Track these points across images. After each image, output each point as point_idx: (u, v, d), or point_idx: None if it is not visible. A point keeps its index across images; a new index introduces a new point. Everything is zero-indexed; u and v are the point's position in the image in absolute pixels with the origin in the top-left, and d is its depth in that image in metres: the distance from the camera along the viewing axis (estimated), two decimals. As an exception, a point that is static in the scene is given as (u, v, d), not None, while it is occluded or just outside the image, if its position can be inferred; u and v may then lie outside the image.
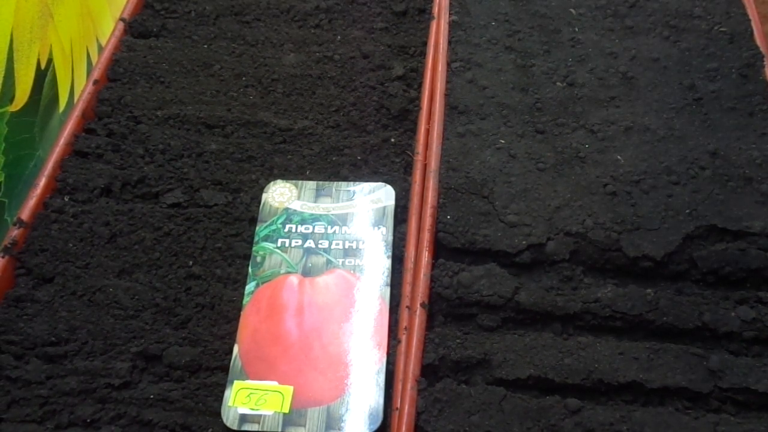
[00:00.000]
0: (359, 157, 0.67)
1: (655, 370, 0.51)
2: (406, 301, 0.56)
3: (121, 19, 0.79)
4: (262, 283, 0.59)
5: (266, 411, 0.52)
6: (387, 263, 0.60)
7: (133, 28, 0.79)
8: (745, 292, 0.55)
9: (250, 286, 0.59)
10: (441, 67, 0.69)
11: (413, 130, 0.69)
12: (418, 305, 0.55)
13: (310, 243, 0.62)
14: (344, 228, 0.62)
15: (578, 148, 0.63)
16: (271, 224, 0.63)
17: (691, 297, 0.55)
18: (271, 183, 0.65)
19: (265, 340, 0.56)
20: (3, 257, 0.60)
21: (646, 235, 0.56)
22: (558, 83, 0.68)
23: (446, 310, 0.56)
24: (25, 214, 0.62)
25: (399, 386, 0.52)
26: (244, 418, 0.52)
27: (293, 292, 0.58)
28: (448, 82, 0.68)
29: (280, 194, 0.64)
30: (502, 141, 0.63)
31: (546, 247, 0.56)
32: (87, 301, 0.58)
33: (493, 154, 0.62)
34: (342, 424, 0.52)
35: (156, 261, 0.61)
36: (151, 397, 0.54)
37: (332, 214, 0.63)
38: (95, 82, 0.72)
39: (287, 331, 0.56)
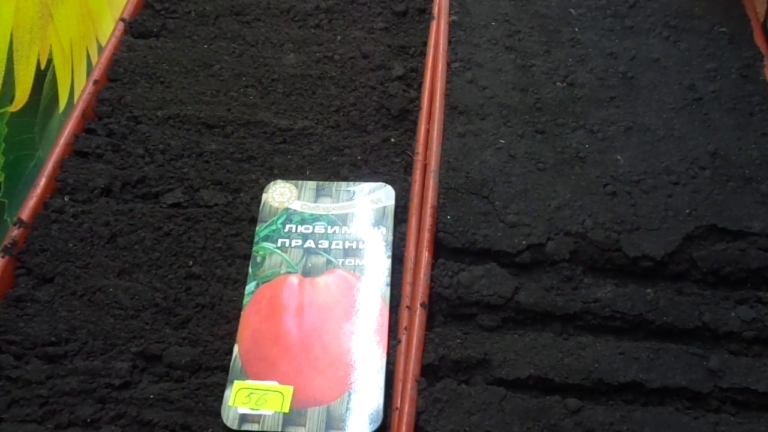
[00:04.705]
0: (359, 157, 0.67)
1: (655, 370, 0.51)
2: (406, 301, 0.56)
3: (121, 19, 0.79)
4: (263, 283, 0.59)
5: (266, 411, 0.52)
6: (387, 263, 0.60)
7: (133, 28, 0.79)
8: (745, 292, 0.55)
9: (250, 286, 0.59)
10: (441, 67, 0.69)
11: (413, 130, 0.69)
12: (418, 305, 0.55)
13: (310, 243, 0.62)
14: (344, 228, 0.62)
15: (578, 148, 0.63)
16: (271, 224, 0.63)
17: (691, 297, 0.55)
18: (271, 183, 0.65)
19: (265, 340, 0.56)
20: (3, 257, 0.60)
21: (646, 235, 0.56)
22: (558, 83, 0.68)
23: (446, 310, 0.56)
24: (25, 214, 0.62)
25: (399, 386, 0.52)
26: (244, 418, 0.52)
27: (293, 292, 0.58)
28: (448, 82, 0.68)
29: (280, 194, 0.64)
30: (502, 141, 0.63)
31: (546, 247, 0.56)
32: (87, 301, 0.58)
33: (493, 154, 0.62)
34: (342, 424, 0.52)
35: (156, 261, 0.61)
36: (151, 397, 0.54)
37: (332, 214, 0.63)
38: (95, 82, 0.72)
39: (287, 331, 0.56)
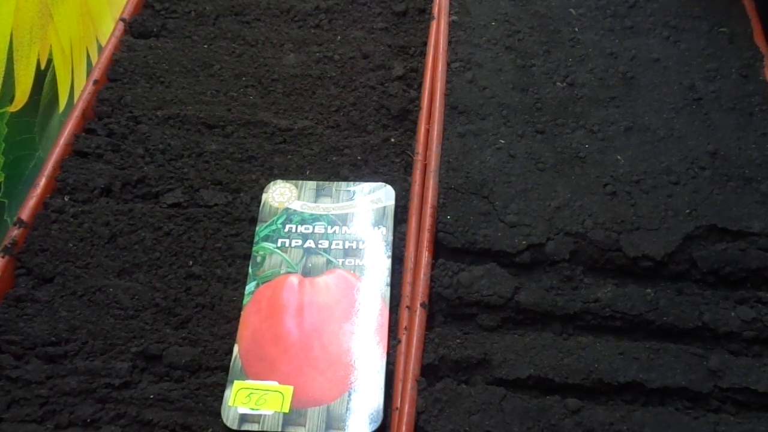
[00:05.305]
0: (359, 157, 0.67)
1: (655, 370, 0.51)
2: (406, 301, 0.56)
3: (121, 19, 0.79)
4: (263, 283, 0.59)
5: (266, 411, 0.52)
6: (387, 263, 0.60)
7: (133, 28, 0.79)
8: (745, 292, 0.55)
9: (250, 286, 0.59)
10: (441, 67, 0.69)
11: (413, 130, 0.69)
12: (418, 305, 0.55)
13: (310, 243, 0.62)
14: (344, 228, 0.62)
15: (578, 148, 0.63)
16: (271, 224, 0.63)
17: (691, 297, 0.55)
18: (271, 183, 0.65)
19: (265, 340, 0.56)
20: (3, 257, 0.60)
21: (646, 235, 0.56)
22: (558, 83, 0.68)
23: (446, 310, 0.56)
24: (25, 214, 0.62)
25: (399, 386, 0.52)
26: (244, 418, 0.52)
27: (293, 292, 0.58)
28: (448, 82, 0.68)
29: (280, 194, 0.64)
30: (502, 141, 0.63)
31: (546, 247, 0.56)
32: (87, 301, 0.58)
33: (493, 154, 0.62)
34: (342, 424, 0.52)
35: (156, 261, 0.61)
36: (151, 397, 0.54)
37: (332, 214, 0.63)
38: (95, 82, 0.72)
39: (287, 331, 0.56)
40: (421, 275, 0.56)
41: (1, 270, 0.59)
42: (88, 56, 0.90)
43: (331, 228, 0.62)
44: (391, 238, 0.61)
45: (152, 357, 0.56)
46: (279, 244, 0.61)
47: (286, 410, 0.52)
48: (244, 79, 0.74)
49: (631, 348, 0.53)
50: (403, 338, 0.54)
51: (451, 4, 0.76)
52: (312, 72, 0.74)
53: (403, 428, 0.49)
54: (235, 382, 0.54)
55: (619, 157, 0.62)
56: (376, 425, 0.52)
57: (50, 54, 0.86)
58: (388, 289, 0.58)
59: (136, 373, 0.55)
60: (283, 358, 0.55)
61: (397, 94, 0.71)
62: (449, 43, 0.72)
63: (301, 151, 0.68)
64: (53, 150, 0.67)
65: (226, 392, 0.53)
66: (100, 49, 0.87)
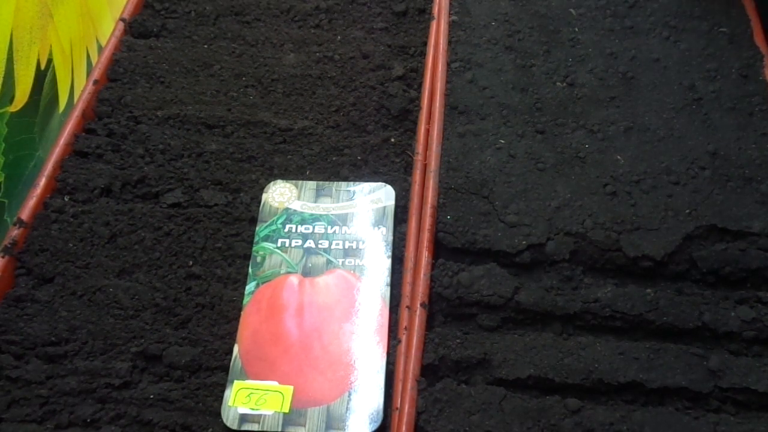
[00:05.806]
0: (359, 157, 0.67)
1: (655, 370, 0.51)
2: (406, 301, 0.56)
3: (121, 19, 0.79)
4: (263, 283, 0.59)
5: (266, 411, 0.52)
6: (387, 263, 0.60)
7: (133, 28, 0.79)
8: (745, 292, 0.55)
9: (250, 286, 0.59)
10: (441, 67, 0.69)
11: (413, 130, 0.69)
12: (418, 305, 0.55)
13: (310, 243, 0.62)
14: (344, 228, 0.62)
15: (578, 148, 0.63)
16: (271, 224, 0.63)
17: (691, 297, 0.55)
18: (271, 183, 0.65)
19: (265, 340, 0.56)
20: (3, 257, 0.60)
21: (646, 235, 0.56)
22: (558, 83, 0.68)
23: (446, 310, 0.56)
24: (25, 214, 0.62)
25: (399, 386, 0.52)
26: (244, 418, 0.52)
27: (293, 292, 0.58)
28: (448, 82, 0.68)
29: (280, 194, 0.64)
30: (502, 141, 0.63)
31: (546, 247, 0.56)
32: (87, 301, 0.58)
33: (493, 154, 0.62)
34: (342, 424, 0.52)
35: (156, 261, 0.61)
36: (151, 397, 0.54)
37: (332, 214, 0.63)
38: (95, 82, 0.72)
39: (287, 331, 0.56)
40: (421, 275, 0.56)
41: (1, 270, 0.59)
42: (88, 56, 0.90)
43: (331, 228, 0.62)
44: (391, 238, 0.61)
45: (152, 357, 0.56)
46: (279, 244, 0.61)
47: (286, 410, 0.52)
48: (244, 79, 0.74)
49: (631, 348, 0.53)
50: (403, 338, 0.54)
51: (451, 4, 0.76)
52: (312, 72, 0.74)
53: (403, 428, 0.49)
54: (235, 382, 0.54)
55: (619, 157, 0.62)
56: (376, 425, 0.52)
57: (50, 54, 0.86)
58: (388, 289, 0.58)
59: (136, 373, 0.55)
60: (283, 358, 0.55)
61: (397, 94, 0.71)
62: (449, 43, 0.72)
63: (301, 151, 0.68)
64: (53, 150, 0.67)
65: (226, 392, 0.53)
66: (100, 49, 0.87)
